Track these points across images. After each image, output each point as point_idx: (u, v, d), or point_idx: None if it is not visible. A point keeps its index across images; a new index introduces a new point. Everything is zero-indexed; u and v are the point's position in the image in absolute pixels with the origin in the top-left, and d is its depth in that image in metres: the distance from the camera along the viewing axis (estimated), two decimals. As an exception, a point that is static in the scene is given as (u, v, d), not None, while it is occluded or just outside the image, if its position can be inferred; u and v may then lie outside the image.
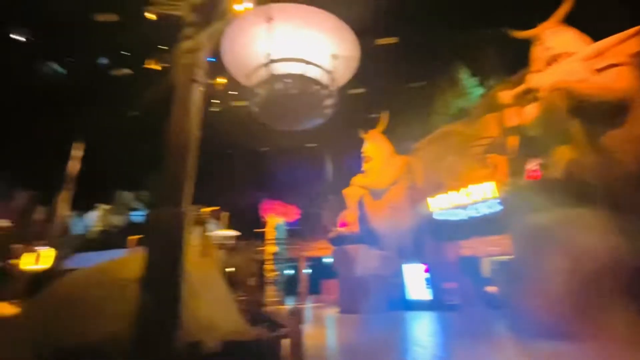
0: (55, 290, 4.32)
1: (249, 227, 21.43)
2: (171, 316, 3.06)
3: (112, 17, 17.72)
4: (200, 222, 15.55)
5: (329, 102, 6.57)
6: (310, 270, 23.70)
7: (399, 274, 14.60)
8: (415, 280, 14.36)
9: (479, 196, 12.58)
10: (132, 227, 22.47)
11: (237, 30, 6.39)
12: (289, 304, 17.61)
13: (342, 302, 14.60)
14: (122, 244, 18.95)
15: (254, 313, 5.20)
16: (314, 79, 6.37)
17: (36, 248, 14.76)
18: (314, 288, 23.07)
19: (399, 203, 15.64)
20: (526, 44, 11.13)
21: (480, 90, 17.52)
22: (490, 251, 13.18)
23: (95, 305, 3.69)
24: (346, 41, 6.78)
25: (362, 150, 17.76)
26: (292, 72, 6.21)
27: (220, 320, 4.01)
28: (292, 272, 23.77)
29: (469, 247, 13.87)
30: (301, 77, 6.19)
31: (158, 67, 20.20)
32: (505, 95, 11.02)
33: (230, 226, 19.91)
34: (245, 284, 15.90)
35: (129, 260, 4.53)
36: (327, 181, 24.39)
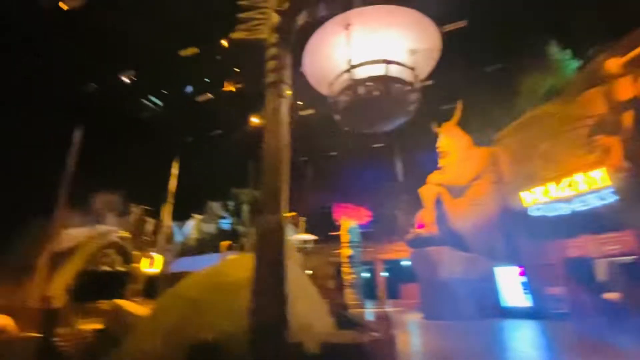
0: (178, 291, 5.03)
1: (324, 231, 21.95)
2: (280, 317, 3.28)
3: (193, 51, 20.28)
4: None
5: (412, 99, 6.39)
6: (387, 274, 23.13)
7: (489, 278, 13.27)
8: (511, 285, 12.88)
9: (586, 186, 10.74)
10: (222, 234, 24.98)
11: (317, 41, 6.64)
12: (369, 307, 17.44)
13: (426, 308, 13.86)
14: (215, 249, 21.23)
15: (340, 316, 5.26)
16: (396, 77, 6.26)
17: (150, 254, 17.42)
18: (392, 292, 22.43)
19: (483, 200, 14.27)
20: (634, 1, 9.24)
21: (575, 63, 15.07)
22: (607, 251, 11.10)
23: (209, 305, 4.18)
24: (426, 33, 6.52)
25: (437, 145, 16.73)
26: (374, 74, 6.19)
27: (314, 322, 4.18)
28: (368, 275, 23.52)
29: (576, 246, 11.90)
30: (383, 78, 6.13)
31: (234, 89, 22.51)
32: (614, 63, 9.27)
33: (306, 231, 20.66)
34: (324, 286, 16.26)
35: (234, 263, 5.04)
36: (400, 181, 23.63)
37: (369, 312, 14.56)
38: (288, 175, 4.08)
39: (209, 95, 21.68)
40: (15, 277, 13.93)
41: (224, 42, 20.43)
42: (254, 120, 23.90)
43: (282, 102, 4.33)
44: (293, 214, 20.04)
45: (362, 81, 6.16)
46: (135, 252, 17.27)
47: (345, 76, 6.39)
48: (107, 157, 18.25)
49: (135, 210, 20.64)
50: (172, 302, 4.77)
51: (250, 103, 23.11)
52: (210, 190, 26.72)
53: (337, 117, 6.92)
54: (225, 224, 27.65)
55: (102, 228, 17.57)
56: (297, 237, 19.20)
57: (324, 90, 7.28)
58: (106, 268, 16.64)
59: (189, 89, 22.12)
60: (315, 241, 20.49)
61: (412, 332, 10.78)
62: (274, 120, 4.23)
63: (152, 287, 17.66)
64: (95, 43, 18.16)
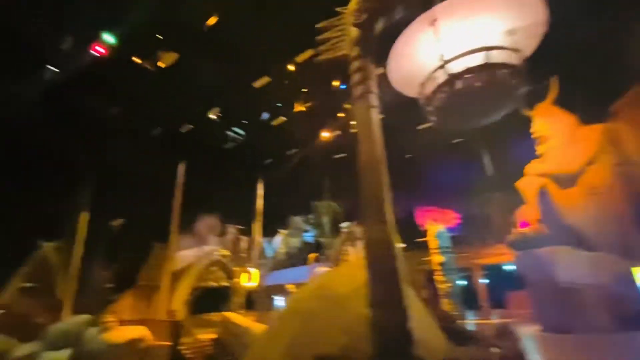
0: (292, 305, 5.27)
1: (409, 237, 20.97)
2: (403, 332, 3.16)
3: (266, 81, 22.08)
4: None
5: (519, 82, 5.75)
6: (487, 280, 20.77)
7: (627, 281, 10.80)
8: (661, 289, 10.26)
9: None
10: (307, 246, 26.00)
11: (403, 45, 6.50)
12: (471, 318, 15.85)
13: (545, 318, 11.87)
14: (302, 262, 22.16)
15: (450, 329, 4.82)
16: (498, 63, 5.72)
17: (247, 269, 19.01)
18: (496, 300, 20.00)
19: (604, 187, 11.83)
20: None
21: None
22: None
23: (324, 318, 4.27)
24: (527, 7, 5.83)
25: (532, 130, 14.60)
26: (471, 65, 5.75)
27: (427, 336, 3.91)
28: (465, 282, 21.47)
29: None
30: (483, 67, 5.66)
31: (304, 108, 23.71)
32: None
33: (390, 238, 20.05)
34: (418, 296, 15.38)
35: (343, 274, 5.10)
36: (489, 176, 21.33)
37: (478, 323, 13.18)
38: (388, 183, 4.01)
39: (282, 118, 23.24)
40: (145, 295, 16.57)
41: (291, 67, 21.79)
42: (324, 134, 24.65)
43: (373, 111, 4.34)
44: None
45: (460, 74, 5.70)
46: (235, 269, 19.04)
47: (438, 73, 6.01)
48: (204, 186, 20.83)
49: (231, 230, 22.96)
50: (289, 317, 4.98)
51: (319, 119, 24.02)
52: (292, 206, 28.22)
53: (432, 118, 6.52)
54: (309, 236, 28.69)
55: (206, 249, 19.90)
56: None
57: (412, 93, 6.97)
58: (212, 284, 18.68)
59: (265, 115, 24.07)
60: (402, 249, 19.70)
61: (536, 347, 9.33)
62: (366, 130, 4.26)
63: (251, 300, 19.16)
64: (186, 89, 21.19)
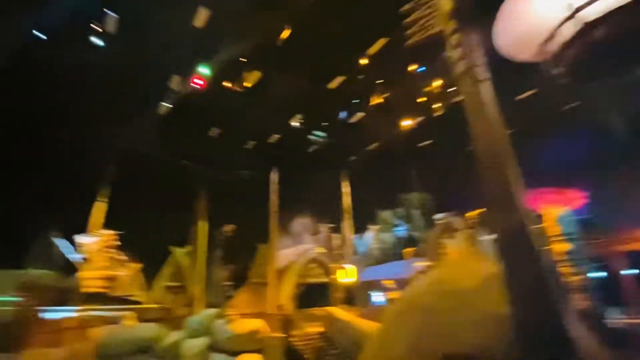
0: (409, 300, 5.18)
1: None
2: (558, 334, 2.77)
3: (340, 80, 22.34)
4: (470, 227, 15.10)
5: None
6: (635, 271, 16.72)
7: None
8: None
9: None
10: (400, 241, 25.27)
11: (514, 3, 5.82)
12: (618, 317, 13.08)
13: None
14: (396, 257, 21.65)
15: (597, 329, 4.01)
16: None
17: (343, 266, 19.45)
18: (646, 294, 15.95)
19: None
20: None
21: None
22: None
23: (448, 314, 4.08)
24: None
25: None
26: (615, 5, 4.70)
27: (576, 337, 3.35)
28: (603, 274, 17.70)
29: None
30: (630, 6, 4.60)
31: (382, 100, 23.15)
32: None
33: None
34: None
35: (460, 269, 4.84)
36: (620, 145, 17.29)
37: (632, 323, 10.83)
38: (514, 164, 3.54)
39: (361, 114, 23.19)
40: (257, 291, 18.39)
41: (363, 60, 21.55)
42: (406, 123, 23.61)
43: (483, 86, 3.89)
44: (480, 211, 17.94)
45: (599, 20, 4.61)
46: (331, 265, 19.67)
47: (566, 26, 4.99)
48: (295, 189, 22.17)
49: (324, 228, 23.87)
50: (407, 313, 4.91)
51: (399, 109, 23.11)
52: (379, 201, 27.85)
53: (564, 79, 5.49)
54: (400, 231, 27.78)
55: (303, 247, 21.07)
56: (488, 237, 16.91)
57: (528, 56, 6.00)
58: (312, 280, 19.64)
59: (343, 114, 24.37)
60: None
61: None
62: (478, 108, 3.83)
63: (351, 295, 19.53)
64: (270, 102, 22.89)
